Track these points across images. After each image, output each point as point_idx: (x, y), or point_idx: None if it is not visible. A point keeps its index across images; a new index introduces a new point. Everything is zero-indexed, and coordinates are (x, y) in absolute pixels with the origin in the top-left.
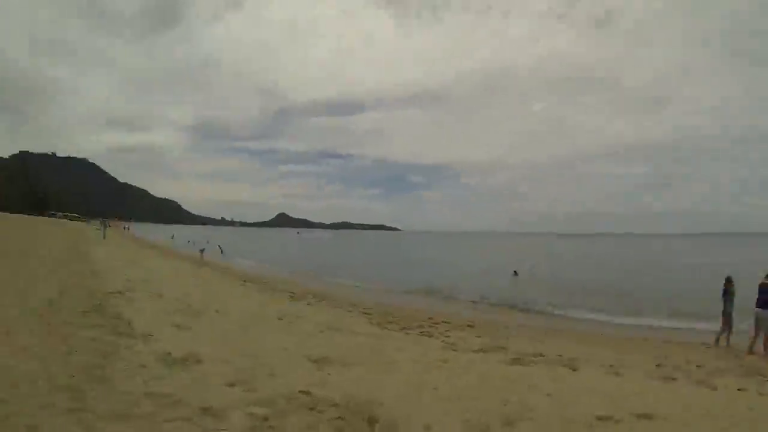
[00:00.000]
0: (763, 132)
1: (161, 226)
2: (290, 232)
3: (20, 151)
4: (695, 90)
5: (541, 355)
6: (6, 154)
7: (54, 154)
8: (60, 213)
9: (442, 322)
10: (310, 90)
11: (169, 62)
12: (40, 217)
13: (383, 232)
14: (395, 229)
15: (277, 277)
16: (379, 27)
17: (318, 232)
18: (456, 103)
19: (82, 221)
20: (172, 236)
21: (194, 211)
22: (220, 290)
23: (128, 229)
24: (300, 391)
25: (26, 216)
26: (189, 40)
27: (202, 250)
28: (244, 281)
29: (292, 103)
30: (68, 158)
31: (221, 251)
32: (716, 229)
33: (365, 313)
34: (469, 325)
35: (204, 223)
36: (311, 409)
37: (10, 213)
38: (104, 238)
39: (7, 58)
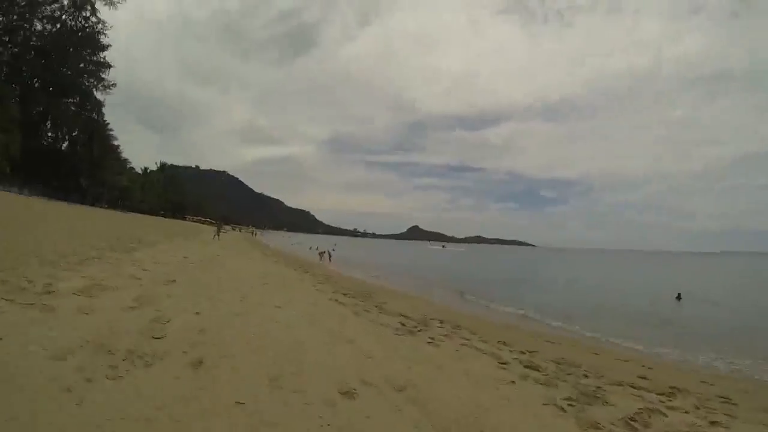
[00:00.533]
0: None
1: (294, 234)
2: (421, 245)
3: (162, 164)
4: None
5: None
6: (155, 167)
7: (197, 167)
8: (190, 216)
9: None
10: (442, 102)
11: (303, 81)
12: (174, 220)
13: (516, 247)
14: (528, 244)
15: (395, 292)
16: (506, 35)
17: (450, 246)
18: (589, 111)
19: (208, 224)
20: (293, 243)
21: (327, 222)
22: (294, 298)
23: (256, 234)
24: None
25: (162, 218)
26: (322, 60)
27: (323, 256)
28: (344, 293)
29: (424, 116)
30: (210, 171)
31: (329, 256)
32: None
33: (530, 367)
34: None
35: (336, 233)
36: None
37: (152, 215)
38: (213, 238)
39: (158, 83)
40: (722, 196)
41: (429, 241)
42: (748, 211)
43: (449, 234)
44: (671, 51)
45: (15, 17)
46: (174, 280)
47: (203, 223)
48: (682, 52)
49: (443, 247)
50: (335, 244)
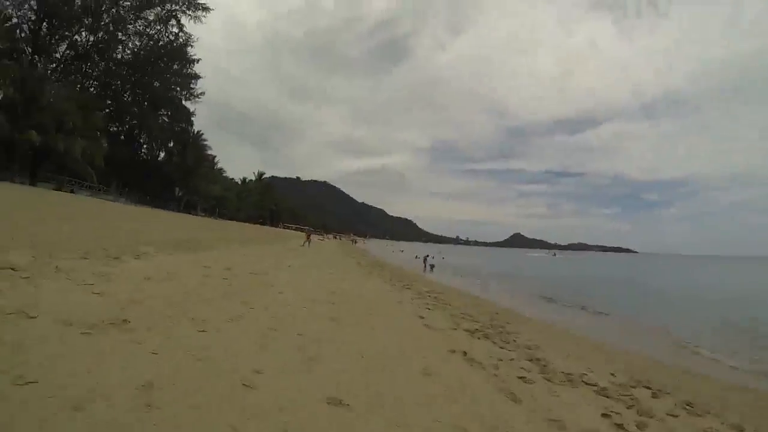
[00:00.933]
0: None
1: (397, 243)
2: (522, 252)
3: (259, 173)
4: None
5: None
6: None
7: (298, 178)
8: (282, 224)
9: None
10: (540, 106)
11: (399, 91)
12: (264, 227)
13: (620, 254)
14: (631, 251)
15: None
16: (599, 32)
17: (560, 254)
18: (692, 108)
19: (299, 231)
20: (395, 251)
21: (429, 230)
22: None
23: (356, 242)
24: None
25: (251, 225)
26: (416, 70)
27: (426, 262)
28: (468, 325)
29: (522, 122)
30: (310, 181)
31: (430, 266)
32: None
33: None
34: None
35: (438, 241)
36: None
37: (249, 222)
38: (303, 245)
39: (259, 101)
40: None
41: (531, 248)
42: None
43: (551, 241)
44: None
45: (102, 34)
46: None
47: (296, 230)
48: None
49: (554, 255)
50: (439, 252)
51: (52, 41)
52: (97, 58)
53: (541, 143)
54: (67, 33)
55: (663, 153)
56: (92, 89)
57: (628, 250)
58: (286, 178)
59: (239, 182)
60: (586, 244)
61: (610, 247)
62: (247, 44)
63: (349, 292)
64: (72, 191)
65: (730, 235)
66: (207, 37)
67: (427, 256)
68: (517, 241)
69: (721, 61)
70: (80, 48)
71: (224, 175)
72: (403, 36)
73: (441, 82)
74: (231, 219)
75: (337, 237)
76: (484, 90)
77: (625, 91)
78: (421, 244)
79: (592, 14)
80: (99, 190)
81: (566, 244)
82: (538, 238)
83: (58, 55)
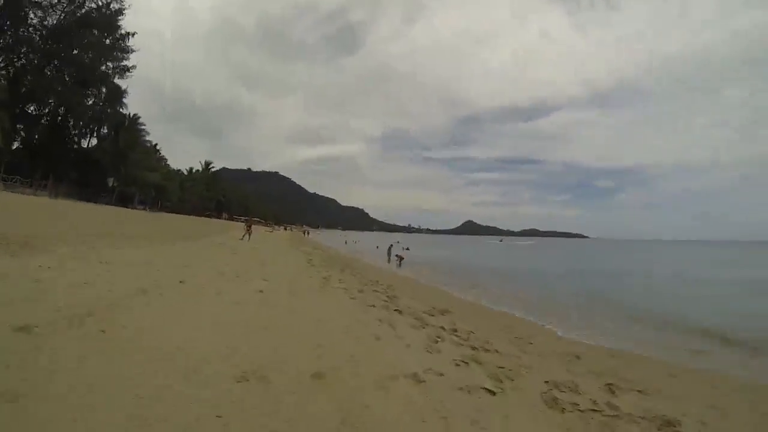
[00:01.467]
0: None
1: (349, 233)
2: (484, 240)
3: (206, 162)
4: None
5: None
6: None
7: (249, 169)
8: (227, 215)
9: None
10: (492, 95)
11: (352, 80)
12: (201, 218)
13: (576, 240)
14: (583, 236)
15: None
16: (553, 24)
17: (520, 240)
18: (643, 98)
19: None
20: (350, 241)
21: (381, 219)
22: None
23: (308, 233)
24: None
25: (192, 217)
26: (370, 59)
27: (391, 254)
28: None
29: (475, 110)
30: (262, 172)
31: (398, 260)
32: None
33: None
34: None
35: (390, 230)
36: None
37: (195, 215)
38: (243, 239)
39: (209, 90)
40: None
41: (484, 235)
42: None
43: (504, 228)
44: (724, 31)
45: None
46: None
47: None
48: (736, 31)
49: (500, 241)
50: (398, 242)
51: None
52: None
53: (494, 131)
54: None
55: (614, 142)
56: None
57: (579, 236)
58: (237, 169)
59: (186, 173)
60: (538, 230)
61: (562, 233)
62: (197, 31)
63: (289, 343)
64: None
65: (677, 220)
66: (154, 24)
67: (392, 246)
68: (469, 228)
69: (671, 55)
70: None
71: (167, 165)
72: (359, 24)
73: (396, 71)
74: (174, 212)
75: (288, 228)
76: (439, 79)
77: (577, 82)
78: (373, 233)
79: (546, 6)
80: (14, 181)
81: (519, 230)
82: (490, 225)
83: None
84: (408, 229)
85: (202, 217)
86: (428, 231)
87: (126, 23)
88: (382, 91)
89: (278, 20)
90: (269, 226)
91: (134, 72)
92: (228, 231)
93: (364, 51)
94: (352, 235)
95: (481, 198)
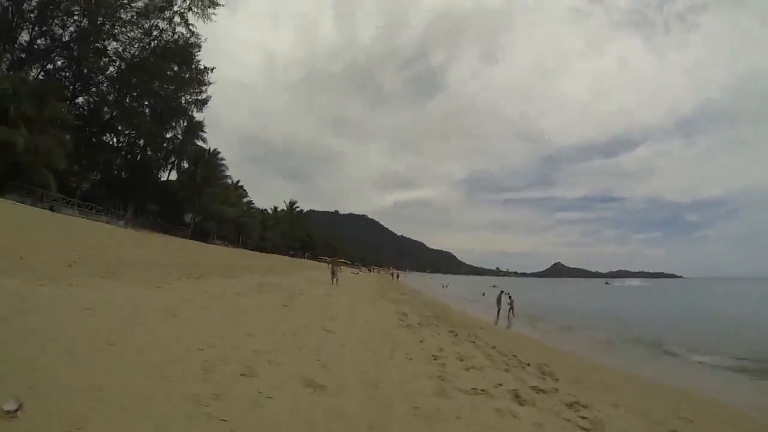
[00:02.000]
0: None
1: (437, 276)
2: (582, 282)
3: (291, 201)
4: None
5: None
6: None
7: (336, 212)
8: (309, 255)
9: None
10: (573, 131)
11: (434, 123)
12: (289, 257)
13: (667, 280)
14: (676, 276)
15: None
16: (627, 50)
17: (628, 281)
18: (728, 123)
19: (324, 262)
20: (444, 286)
21: (469, 262)
22: None
23: (397, 276)
24: None
25: (277, 255)
26: (451, 101)
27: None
28: None
29: (557, 148)
30: (349, 215)
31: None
32: None
33: None
34: None
35: (478, 273)
36: None
37: (276, 253)
38: (333, 282)
39: (297, 135)
40: None
41: (572, 277)
42: None
43: (592, 269)
44: None
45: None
46: None
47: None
48: None
49: (606, 283)
50: (494, 286)
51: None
52: (78, 48)
53: (577, 169)
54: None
55: (701, 170)
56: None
57: (672, 276)
58: (324, 211)
59: (270, 212)
60: (627, 271)
61: (653, 273)
62: (286, 80)
63: None
64: (51, 208)
65: None
66: (243, 75)
67: (501, 293)
68: (558, 270)
69: (754, 71)
70: (57, 37)
71: (250, 203)
72: (438, 66)
73: (475, 111)
74: (255, 249)
75: (374, 270)
76: (517, 117)
77: (659, 110)
78: (462, 276)
79: (619, 33)
80: (89, 208)
81: (607, 271)
82: (578, 267)
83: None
84: (496, 273)
85: (280, 256)
86: (516, 274)
87: (216, 76)
88: (464, 131)
89: (363, 67)
90: (356, 268)
91: (222, 124)
92: (303, 269)
93: (445, 92)
94: (440, 279)
95: (567, 239)
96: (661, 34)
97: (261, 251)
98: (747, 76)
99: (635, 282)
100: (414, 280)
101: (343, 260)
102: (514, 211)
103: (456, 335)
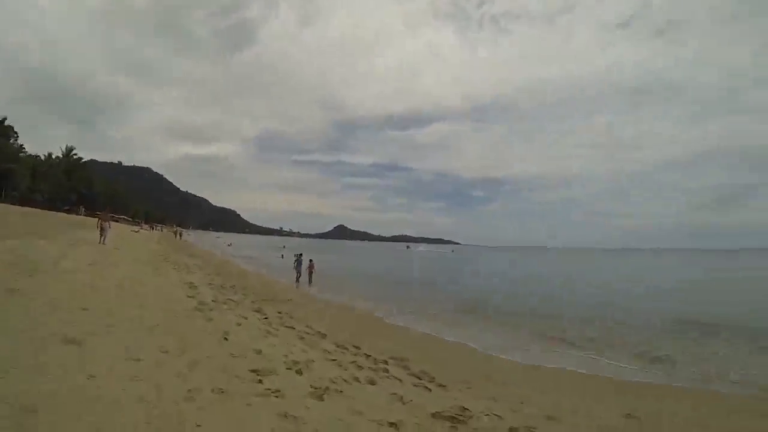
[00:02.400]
0: None
1: (221, 234)
2: (369, 245)
3: (68, 148)
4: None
5: None
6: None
7: (120, 163)
8: (83, 210)
9: None
10: (374, 103)
11: (237, 78)
12: (65, 214)
13: (445, 245)
14: (455, 242)
15: None
16: (443, 39)
17: (422, 246)
18: (519, 116)
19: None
20: (228, 244)
21: (253, 221)
22: None
23: (180, 235)
24: None
25: (46, 211)
26: (258, 58)
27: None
28: None
29: (356, 116)
30: (133, 167)
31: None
32: None
33: None
34: None
35: (261, 233)
36: None
37: (53, 210)
38: (100, 242)
39: (88, 73)
40: (647, 197)
41: (354, 239)
42: (675, 210)
43: (375, 233)
44: (600, 61)
45: None
46: None
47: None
48: (610, 64)
49: (408, 247)
50: (284, 246)
51: None
52: None
53: (371, 138)
54: None
55: (490, 154)
56: None
57: (450, 242)
58: (106, 162)
59: (43, 158)
60: (410, 236)
61: (434, 239)
62: (82, 9)
63: None
64: None
65: (548, 228)
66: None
67: (300, 257)
68: (341, 233)
69: (550, 80)
70: None
71: (23, 149)
72: (253, 20)
73: (281, 71)
74: (20, 204)
75: (157, 228)
76: (323, 84)
77: (459, 96)
78: (245, 235)
79: (437, 22)
80: None
81: (390, 236)
82: (361, 230)
83: None
84: (280, 232)
85: (52, 212)
86: (299, 234)
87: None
88: (266, 91)
89: (171, 6)
90: (137, 225)
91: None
92: (74, 229)
93: (253, 49)
94: (225, 237)
95: (352, 203)
96: (474, 31)
97: (27, 205)
98: (538, 82)
99: (425, 247)
100: (198, 239)
101: (114, 216)
102: (304, 172)
103: (266, 318)
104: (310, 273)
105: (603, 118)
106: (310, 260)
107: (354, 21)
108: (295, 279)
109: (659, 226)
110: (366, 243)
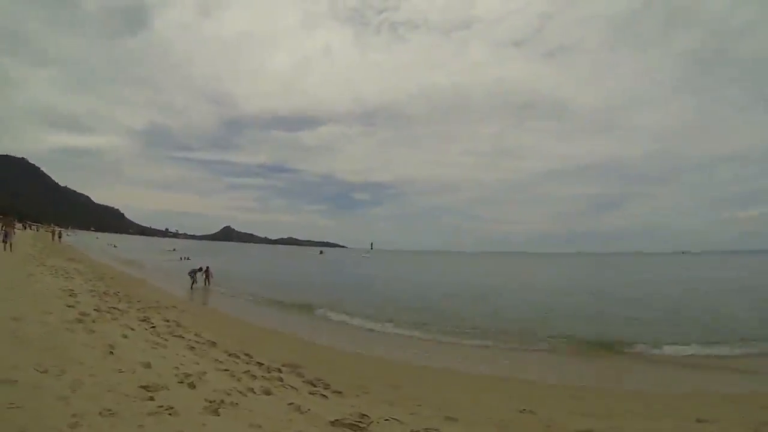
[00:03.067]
0: (701, 157)
1: (103, 235)
2: (280, 249)
3: None
4: (640, 118)
5: None
6: None
7: None
8: None
9: None
10: (263, 101)
11: (125, 67)
12: None
13: (336, 249)
14: (341, 246)
15: None
16: (338, 42)
17: (329, 252)
18: (408, 122)
19: None
20: (114, 246)
21: (138, 221)
22: None
23: (59, 236)
24: None
25: None
26: (151, 47)
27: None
28: None
29: (243, 114)
30: (4, 156)
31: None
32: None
33: None
34: None
35: (147, 234)
36: None
37: None
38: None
39: None
40: (528, 204)
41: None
42: (552, 217)
43: (261, 235)
44: (491, 76)
45: None
46: None
47: None
48: (500, 78)
49: (321, 253)
50: (174, 250)
51: None
52: None
53: (257, 137)
54: None
55: (378, 158)
56: None
57: (336, 245)
58: None
59: None
60: (296, 239)
61: (319, 243)
62: None
63: None
64: None
65: (432, 233)
66: None
67: (196, 271)
68: (227, 234)
69: (440, 89)
70: None
71: None
72: (150, 4)
73: (171, 62)
74: None
75: (32, 227)
76: (211, 76)
77: (348, 99)
78: (131, 236)
79: (335, 23)
80: None
81: (276, 238)
82: (248, 232)
83: None
84: (166, 233)
85: None
86: (185, 236)
87: None
88: (153, 81)
89: None
90: (9, 226)
91: None
92: None
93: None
94: (107, 238)
95: (238, 204)
96: (371, 35)
97: None
98: (428, 89)
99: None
100: (79, 240)
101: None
102: (189, 170)
103: (154, 327)
104: (207, 280)
105: (490, 129)
106: (207, 267)
107: (253, 16)
108: (190, 287)
109: (535, 232)
110: (255, 245)
